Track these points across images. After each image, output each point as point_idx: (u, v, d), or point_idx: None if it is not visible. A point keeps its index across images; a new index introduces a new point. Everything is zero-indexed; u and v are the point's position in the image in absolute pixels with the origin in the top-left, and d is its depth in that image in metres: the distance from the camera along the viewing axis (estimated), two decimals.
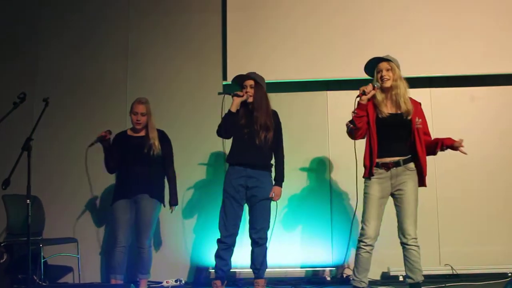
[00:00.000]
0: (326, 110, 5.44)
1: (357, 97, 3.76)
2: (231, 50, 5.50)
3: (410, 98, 3.83)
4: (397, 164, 3.73)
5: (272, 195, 4.27)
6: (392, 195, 3.79)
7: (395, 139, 3.76)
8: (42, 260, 4.61)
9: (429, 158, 4.80)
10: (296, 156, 5.30)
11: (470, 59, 5.28)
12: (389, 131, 3.76)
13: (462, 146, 3.74)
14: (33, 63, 5.75)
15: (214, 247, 4.28)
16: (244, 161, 4.22)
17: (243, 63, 5.38)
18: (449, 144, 3.76)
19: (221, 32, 5.64)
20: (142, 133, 4.55)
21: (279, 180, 4.33)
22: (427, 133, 3.88)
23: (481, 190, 5.24)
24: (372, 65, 3.87)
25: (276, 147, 4.34)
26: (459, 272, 4.95)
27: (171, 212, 4.64)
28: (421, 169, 3.78)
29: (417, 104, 3.85)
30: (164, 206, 4.60)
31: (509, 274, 4.89)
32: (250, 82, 4.31)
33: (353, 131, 3.80)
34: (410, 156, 3.77)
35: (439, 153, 5.08)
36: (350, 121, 3.78)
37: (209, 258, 5.12)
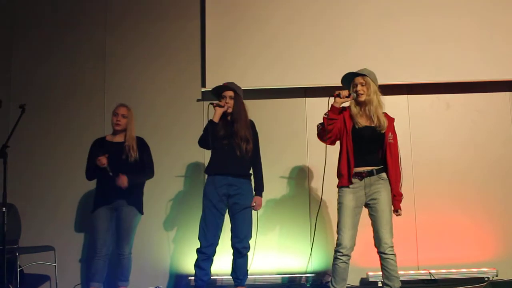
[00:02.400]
0: (305, 117, 5.46)
1: (330, 96, 3.79)
2: (209, 56, 5.49)
3: (385, 114, 3.88)
4: (370, 173, 3.77)
5: (253, 205, 4.27)
6: (366, 204, 3.81)
7: (368, 150, 3.80)
8: (18, 269, 4.55)
9: (406, 164, 4.86)
10: (275, 163, 5.31)
11: (447, 67, 5.34)
12: (363, 142, 3.79)
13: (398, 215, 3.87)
14: (7, 69, 5.68)
15: (193, 255, 4.25)
16: (225, 171, 4.21)
17: (222, 69, 5.39)
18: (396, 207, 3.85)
19: (200, 38, 5.63)
20: (121, 139, 4.51)
21: (260, 190, 4.33)
22: (394, 152, 3.87)
23: (458, 196, 5.30)
24: (349, 78, 3.92)
25: (255, 157, 4.35)
26: (437, 277, 4.99)
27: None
28: (391, 180, 3.82)
29: (391, 120, 3.90)
30: (142, 213, 4.55)
31: (486, 279, 4.95)
32: (229, 93, 4.31)
33: (321, 133, 3.82)
34: (382, 166, 3.81)
35: (416, 159, 5.19)
36: (321, 123, 3.81)
37: (188, 266, 5.10)
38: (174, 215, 5.38)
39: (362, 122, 3.81)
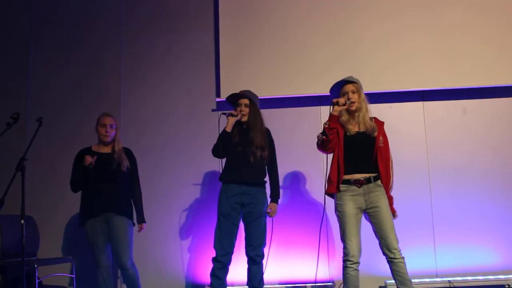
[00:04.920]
0: (319, 125, 5.45)
1: (332, 100, 3.78)
2: (224, 67, 5.52)
3: (375, 118, 3.91)
4: (368, 180, 3.76)
5: (269, 211, 4.26)
6: (367, 212, 3.79)
7: (362, 156, 3.81)
8: (37, 281, 4.57)
9: (423, 171, 4.81)
10: (291, 172, 5.32)
11: (461, 72, 5.31)
12: (356, 149, 3.80)
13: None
14: (24, 82, 5.75)
15: (208, 264, 4.25)
16: (239, 179, 4.22)
17: (236, 79, 5.41)
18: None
19: (214, 49, 5.66)
20: (108, 150, 4.44)
21: (276, 197, 4.34)
22: (387, 154, 3.89)
23: (475, 202, 5.24)
24: (337, 87, 3.92)
25: (271, 165, 4.36)
26: (456, 284, 4.94)
27: (139, 231, 4.53)
28: (382, 183, 3.82)
29: (381, 124, 3.90)
30: (134, 224, 4.45)
31: (506, 286, 4.89)
32: (244, 101, 4.33)
33: (324, 143, 3.81)
34: (377, 174, 3.81)
35: (433, 166, 5.15)
36: (322, 132, 3.80)
37: (203, 275, 5.13)
38: (190, 224, 5.38)
39: (353, 129, 3.84)
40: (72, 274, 4.99)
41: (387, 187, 3.84)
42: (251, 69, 5.49)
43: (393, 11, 5.46)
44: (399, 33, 5.42)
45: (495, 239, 5.17)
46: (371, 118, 3.90)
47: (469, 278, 4.99)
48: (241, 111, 4.30)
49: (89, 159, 4.23)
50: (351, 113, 3.88)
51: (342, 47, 5.45)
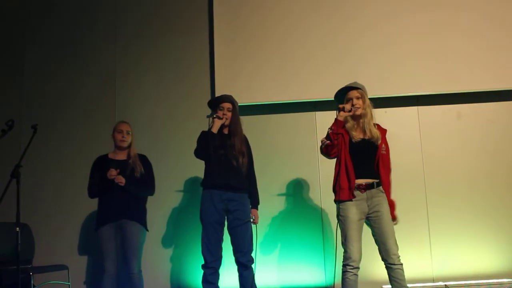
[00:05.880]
0: (315, 131, 5.46)
1: (339, 106, 3.80)
2: (218, 72, 5.52)
3: (378, 125, 3.90)
4: (371, 186, 3.77)
5: (253, 218, 4.28)
6: (369, 217, 3.79)
7: (365, 163, 3.80)
8: None
9: (419, 176, 4.82)
10: (286, 177, 5.33)
11: (456, 77, 5.33)
12: (359, 155, 3.80)
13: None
14: (20, 89, 5.74)
15: (192, 271, 4.22)
16: (225, 184, 4.20)
17: (231, 84, 5.40)
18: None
19: (209, 54, 5.66)
20: (123, 157, 4.51)
21: (257, 203, 4.37)
22: (386, 163, 3.90)
23: (472, 206, 5.25)
24: (342, 93, 3.93)
25: (250, 172, 4.36)
26: None
27: None
28: (384, 190, 3.83)
29: (384, 132, 3.91)
30: (147, 230, 4.52)
31: None
32: (228, 105, 4.33)
33: (328, 148, 3.81)
34: (379, 180, 3.82)
35: (428, 170, 5.15)
36: (326, 137, 3.81)
37: (189, 282, 5.18)
38: (175, 231, 5.38)
39: (358, 135, 3.85)
40: (68, 282, 4.97)
41: (388, 192, 3.84)
42: (246, 75, 5.49)
43: (387, 16, 5.48)
44: (394, 38, 5.44)
45: (491, 244, 5.18)
46: (374, 125, 3.90)
47: (466, 282, 4.99)
48: (224, 114, 4.30)
49: (113, 173, 4.29)
50: (355, 118, 3.88)
51: (337, 52, 5.46)
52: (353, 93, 3.88)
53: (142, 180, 4.45)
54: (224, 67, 5.53)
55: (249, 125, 4.98)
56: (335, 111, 3.78)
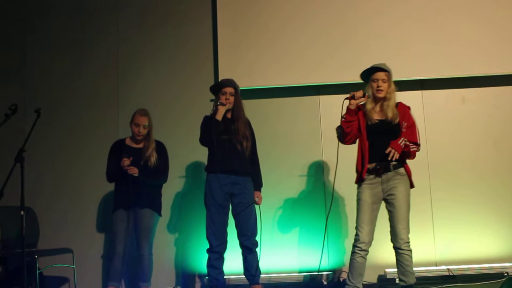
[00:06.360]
0: (318, 114, 5.45)
1: (345, 99, 3.80)
2: (222, 57, 5.49)
3: (400, 103, 3.87)
4: (387, 169, 3.75)
5: (256, 199, 4.31)
6: (385, 200, 3.80)
7: (385, 145, 3.75)
8: (37, 272, 4.58)
9: (423, 160, 4.82)
10: (290, 161, 5.33)
11: (460, 61, 5.29)
12: (378, 138, 3.79)
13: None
14: (22, 74, 5.73)
15: (198, 255, 4.26)
16: (229, 168, 4.22)
17: (235, 69, 5.37)
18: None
19: (212, 39, 5.63)
20: (140, 145, 4.55)
21: (260, 185, 4.41)
22: (409, 139, 3.80)
23: (475, 191, 5.25)
24: (369, 72, 3.89)
25: (253, 155, 4.39)
26: (455, 273, 4.96)
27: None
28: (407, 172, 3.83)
29: (405, 108, 3.88)
30: (160, 215, 4.58)
31: (505, 274, 4.90)
32: (230, 90, 4.33)
33: (341, 136, 3.83)
34: (398, 162, 3.79)
35: (432, 154, 5.14)
36: (339, 126, 3.82)
37: (195, 267, 5.23)
38: (182, 214, 5.40)
39: (375, 117, 3.82)
40: (73, 265, 5.00)
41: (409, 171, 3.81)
42: (250, 59, 5.47)
43: (392, 0, 5.43)
44: (398, 22, 5.39)
45: (494, 228, 5.18)
46: (396, 104, 3.87)
47: (468, 266, 5.01)
48: (226, 99, 4.30)
49: (126, 162, 4.33)
50: (377, 101, 3.86)
51: (341, 36, 5.42)
52: (380, 75, 3.85)
53: (156, 169, 4.48)
54: (228, 51, 5.50)
55: (253, 109, 4.99)
56: (340, 95, 3.78)
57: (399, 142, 3.67)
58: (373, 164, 3.78)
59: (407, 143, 3.71)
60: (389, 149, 3.63)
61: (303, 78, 5.40)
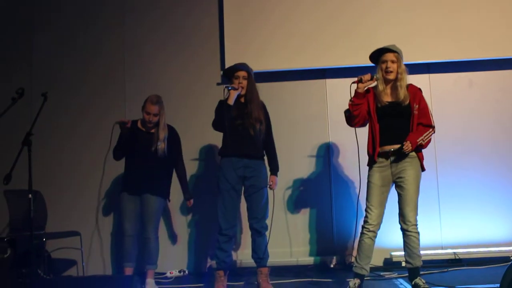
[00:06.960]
0: (325, 98, 5.43)
1: (352, 83, 3.78)
2: (228, 41, 5.47)
3: (411, 85, 3.84)
4: (397, 151, 3.74)
5: (270, 184, 4.30)
6: (395, 182, 3.81)
7: (395, 127, 3.76)
8: (45, 254, 4.62)
9: (429, 144, 4.79)
10: (296, 144, 5.34)
11: (468, 44, 5.26)
12: (389, 120, 3.78)
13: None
14: (29, 58, 5.73)
15: (213, 238, 4.28)
16: (241, 152, 4.22)
17: (241, 53, 5.36)
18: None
19: (218, 23, 5.60)
20: (152, 130, 4.54)
21: (276, 169, 4.38)
22: (422, 121, 3.80)
23: (481, 175, 5.25)
24: (378, 54, 3.87)
25: (268, 138, 4.37)
26: (461, 256, 4.97)
27: (190, 205, 4.68)
28: (418, 154, 3.81)
29: (416, 90, 3.85)
30: (169, 201, 4.61)
31: (511, 258, 4.91)
32: (243, 73, 4.30)
33: (349, 118, 3.83)
34: None
35: (439, 138, 5.11)
36: (347, 109, 3.81)
37: (206, 249, 5.28)
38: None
39: (385, 99, 3.80)
40: (80, 247, 5.04)
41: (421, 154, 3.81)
42: (256, 43, 5.45)
43: None
44: (406, 6, 5.35)
45: (500, 212, 5.19)
46: (407, 86, 3.83)
47: (474, 250, 5.03)
48: (239, 83, 4.29)
49: (126, 120, 4.41)
50: (388, 83, 3.84)
51: (349, 20, 5.40)
52: (389, 56, 3.82)
53: (165, 158, 4.48)
54: (234, 35, 5.48)
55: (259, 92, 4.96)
56: (346, 78, 3.76)
57: (417, 140, 3.70)
58: (384, 147, 3.77)
59: (423, 142, 3.74)
60: (406, 143, 3.65)
61: (311, 61, 5.38)
